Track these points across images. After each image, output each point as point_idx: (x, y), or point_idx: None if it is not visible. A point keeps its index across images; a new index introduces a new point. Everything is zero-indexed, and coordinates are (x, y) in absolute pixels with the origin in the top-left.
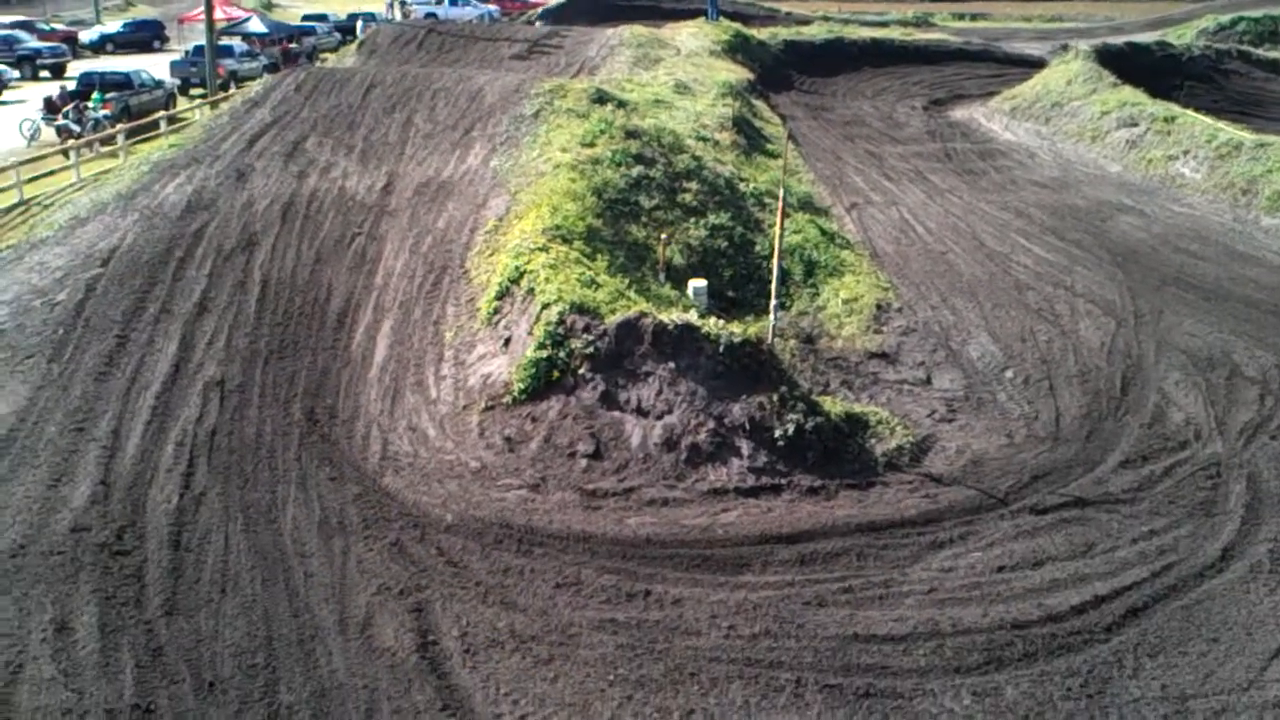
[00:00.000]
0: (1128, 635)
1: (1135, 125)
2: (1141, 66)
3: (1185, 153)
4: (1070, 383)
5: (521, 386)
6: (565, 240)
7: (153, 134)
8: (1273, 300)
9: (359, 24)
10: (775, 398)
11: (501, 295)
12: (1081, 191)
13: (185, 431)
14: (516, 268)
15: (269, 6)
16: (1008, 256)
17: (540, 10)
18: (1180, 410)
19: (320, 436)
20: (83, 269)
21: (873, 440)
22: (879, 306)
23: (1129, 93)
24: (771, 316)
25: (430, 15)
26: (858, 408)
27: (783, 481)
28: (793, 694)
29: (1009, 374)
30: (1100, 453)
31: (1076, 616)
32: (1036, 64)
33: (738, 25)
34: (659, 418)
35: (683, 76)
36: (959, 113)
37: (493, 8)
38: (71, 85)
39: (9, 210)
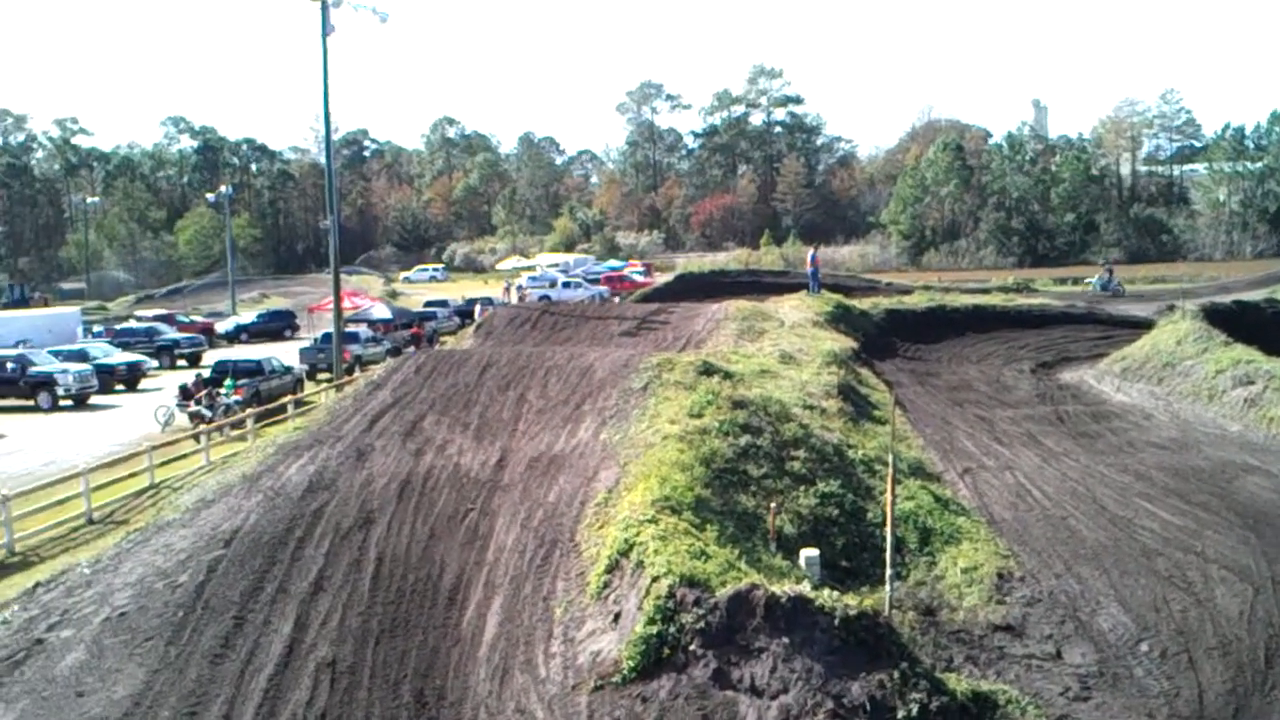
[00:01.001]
0: None
1: (1252, 383)
2: (1252, 324)
3: None
4: (1210, 655)
5: (631, 664)
6: (674, 511)
7: (280, 417)
8: None
9: (477, 308)
10: (896, 675)
11: (611, 569)
12: (1203, 452)
13: (295, 715)
14: (625, 540)
15: (394, 295)
16: (1131, 521)
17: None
18: None
19: (428, 719)
20: (206, 550)
21: None
22: (1000, 575)
23: (1242, 350)
24: (888, 587)
25: (544, 298)
26: (985, 685)
27: None
28: None
29: (1144, 647)
30: None
31: None
32: (1144, 325)
33: (839, 296)
34: (774, 697)
35: (787, 347)
36: (1068, 375)
37: (604, 289)
38: (206, 373)
39: (140, 494)
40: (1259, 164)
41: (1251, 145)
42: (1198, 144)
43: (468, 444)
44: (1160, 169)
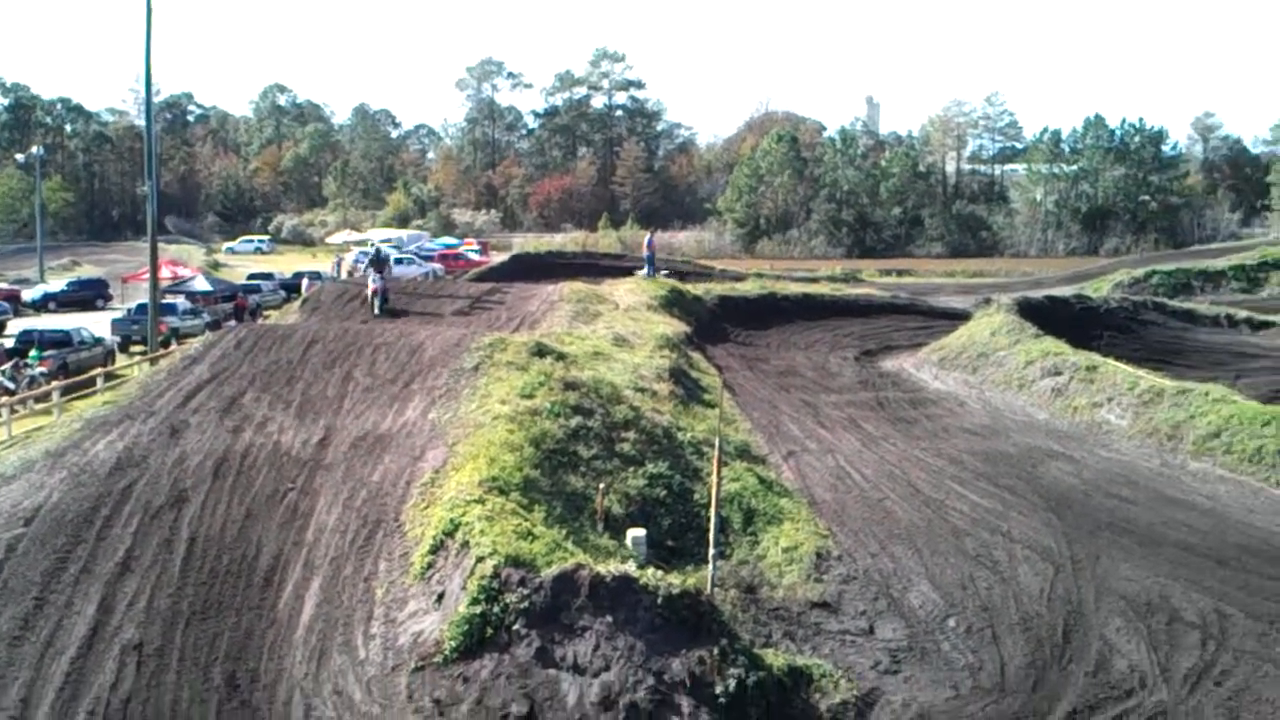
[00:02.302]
0: None
1: (1059, 374)
2: (1062, 318)
3: (1109, 400)
4: (1013, 630)
5: (453, 645)
6: (502, 492)
7: (89, 391)
8: (1206, 544)
9: (304, 282)
10: (716, 652)
11: (435, 549)
12: (1011, 438)
13: (99, 699)
14: (451, 520)
15: (215, 266)
16: (943, 503)
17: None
18: (1124, 657)
19: (240, 703)
20: (4, 529)
21: (817, 695)
22: (819, 555)
23: (1051, 343)
24: (711, 566)
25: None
26: (800, 660)
27: None
28: None
29: (951, 622)
30: (1047, 703)
31: None
32: (962, 316)
33: (673, 281)
34: (596, 675)
35: (621, 330)
36: (890, 363)
37: (437, 266)
38: (10, 343)
39: None
40: (1074, 166)
41: (1067, 149)
42: (1019, 145)
43: (290, 422)
44: (983, 168)
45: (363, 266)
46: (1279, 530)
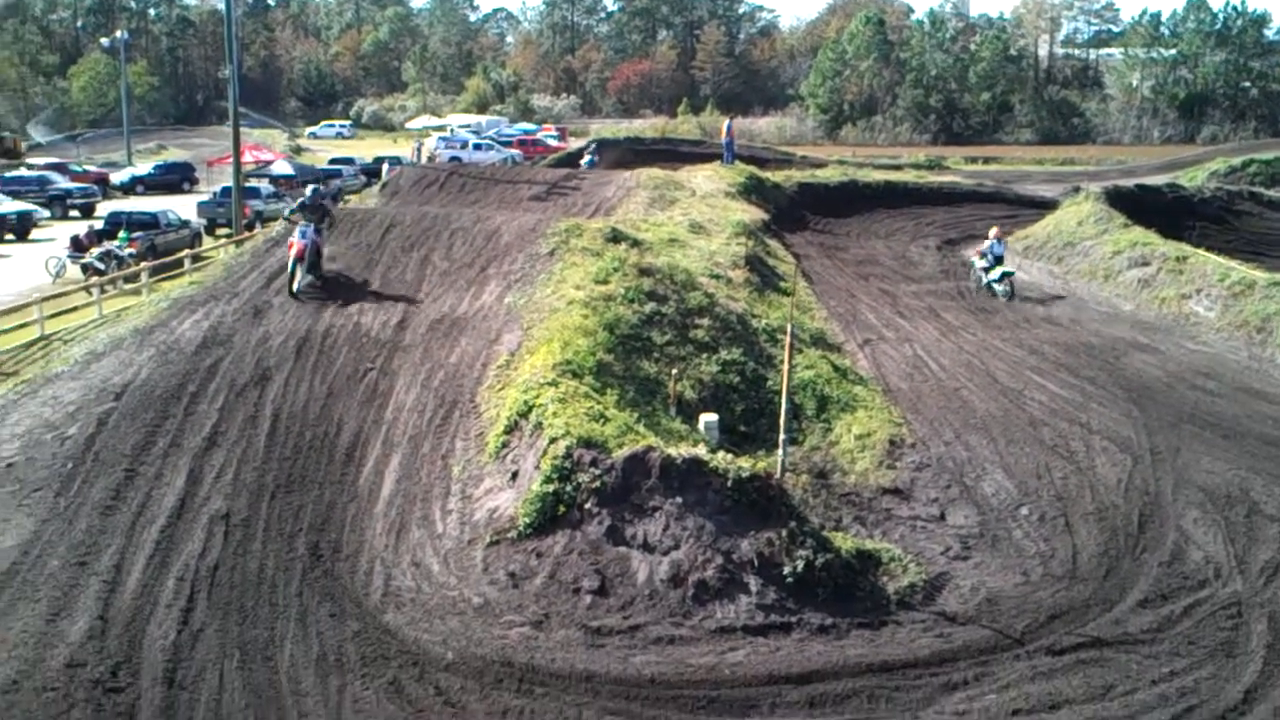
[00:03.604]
0: None
1: (1147, 265)
2: (1153, 208)
3: (1198, 291)
4: (1087, 520)
5: (527, 521)
6: (575, 375)
7: (176, 272)
8: None
9: (384, 167)
10: (785, 534)
11: (510, 429)
12: (1094, 329)
13: (187, 566)
14: (525, 402)
15: (297, 151)
16: (1021, 393)
17: (587, 159)
18: (1199, 548)
19: (323, 572)
20: (96, 403)
21: (885, 578)
22: (892, 442)
23: (1140, 233)
24: (780, 451)
25: (454, 159)
26: (870, 544)
27: (792, 620)
28: None
29: (1024, 511)
30: (1118, 592)
31: None
32: (1049, 205)
33: (752, 168)
34: (666, 553)
35: (697, 216)
36: (972, 252)
37: (515, 152)
38: (99, 224)
39: (29, 345)
40: (1172, 51)
41: (1167, 32)
42: (1115, 29)
43: (369, 304)
44: (1077, 52)
45: (288, 211)
46: None
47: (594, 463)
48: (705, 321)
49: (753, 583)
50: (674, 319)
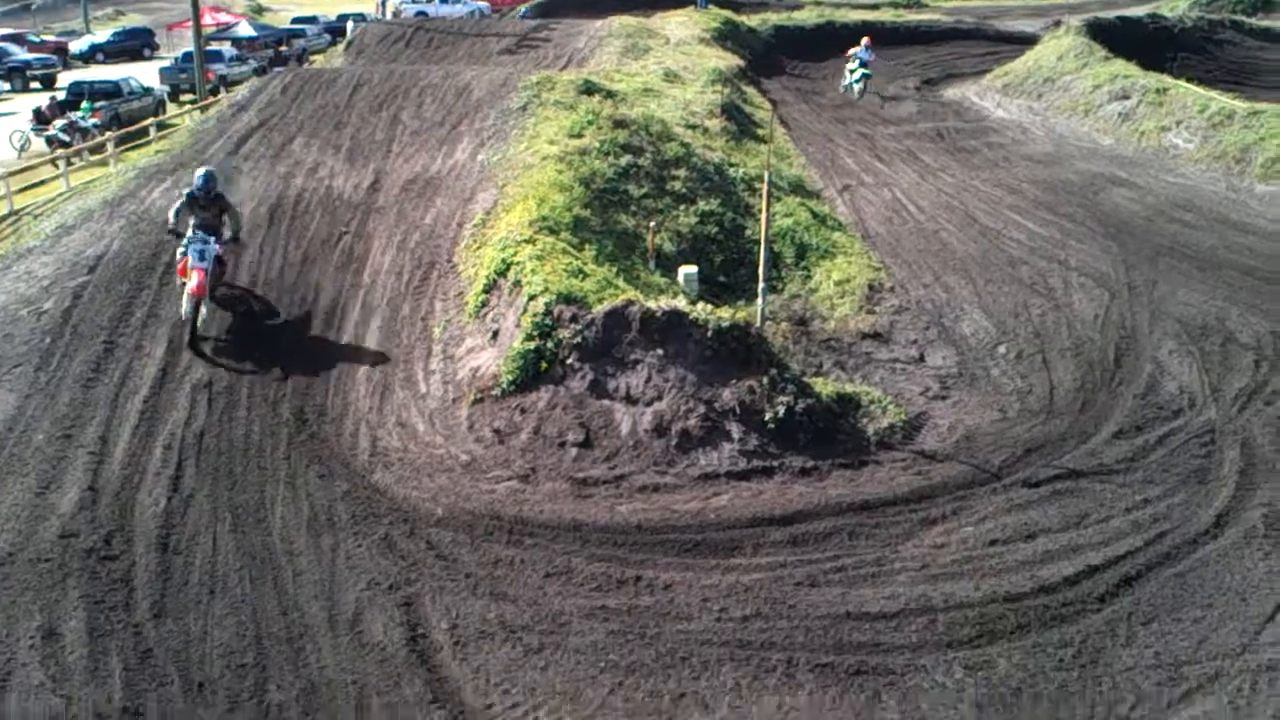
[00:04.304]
0: (1121, 604)
1: (1127, 98)
2: (1134, 40)
3: (1178, 123)
4: (1064, 356)
5: (510, 378)
6: (552, 231)
7: (142, 141)
8: (1267, 268)
9: (349, 25)
10: (765, 381)
11: (488, 288)
12: (1074, 166)
13: (173, 435)
14: (503, 260)
15: (259, 11)
16: (1000, 233)
17: (524, 9)
18: (1174, 379)
19: (309, 435)
20: (70, 277)
21: (865, 420)
22: (871, 287)
23: (1121, 66)
24: (760, 300)
25: (421, 14)
26: (850, 388)
27: (774, 464)
28: (784, 674)
29: (1002, 349)
30: (1094, 424)
31: (1069, 587)
32: (1029, 40)
33: (727, 13)
34: (648, 405)
35: (671, 65)
36: (951, 92)
37: (483, 4)
38: (61, 95)
39: None
40: None
41: None
42: None
43: (339, 167)
44: None
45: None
46: None
47: (574, 318)
48: (682, 172)
49: (735, 430)
50: (650, 171)
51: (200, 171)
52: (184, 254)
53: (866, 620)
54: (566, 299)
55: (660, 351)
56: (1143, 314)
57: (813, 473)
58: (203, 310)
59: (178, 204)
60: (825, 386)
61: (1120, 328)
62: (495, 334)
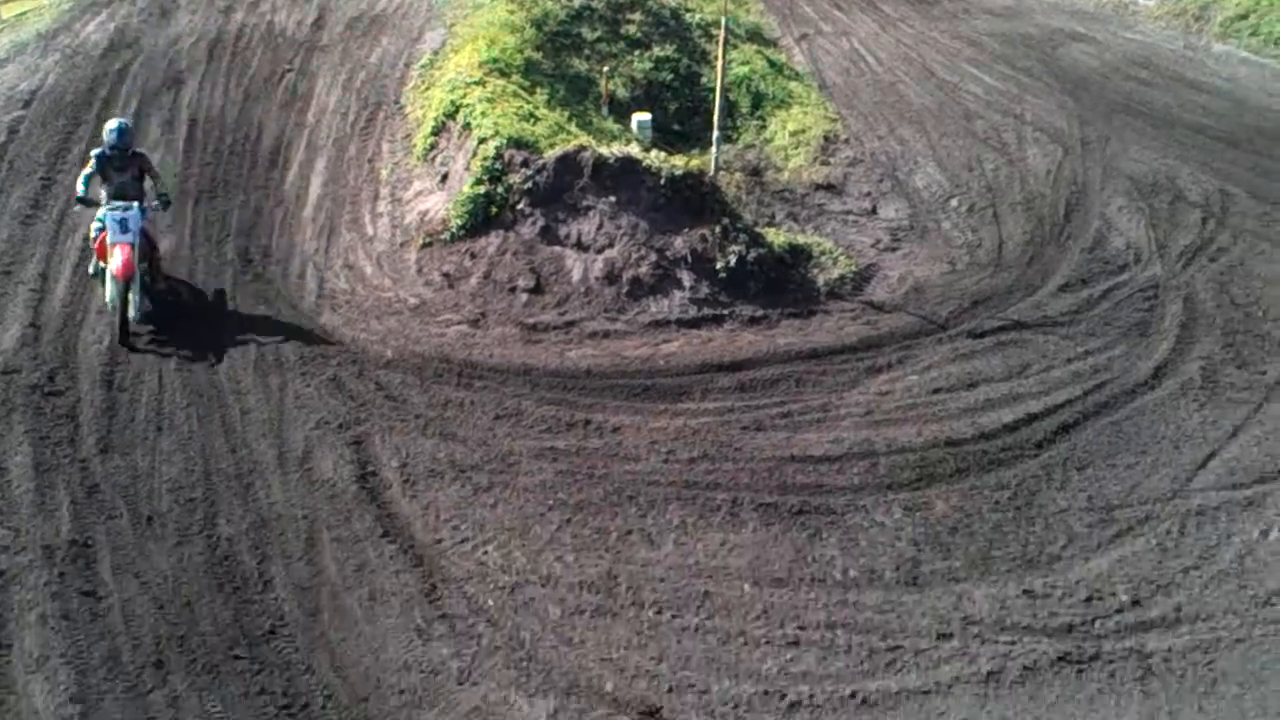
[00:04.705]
0: (1057, 450)
1: None
2: None
3: None
4: (1014, 210)
5: (460, 223)
6: (503, 74)
7: None
8: (1219, 126)
9: None
10: (718, 230)
11: (437, 131)
12: (1034, 19)
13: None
14: (452, 102)
15: None
16: (957, 86)
17: None
18: (1122, 235)
19: (255, 275)
20: (4, 111)
21: (816, 270)
22: (826, 138)
23: None
24: (714, 149)
25: None
26: (801, 239)
27: (724, 312)
28: (729, 513)
29: (954, 202)
30: (1040, 277)
31: (1008, 434)
32: None
33: None
34: (600, 251)
35: None
36: None
37: None
38: None
39: None
40: None
41: None
42: None
43: (281, 1)
44: None
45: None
46: None
47: (525, 163)
48: (637, 16)
49: (686, 278)
50: (604, 14)
51: (112, 125)
52: (101, 228)
53: (810, 463)
54: (517, 143)
55: (612, 198)
56: (1095, 170)
57: (762, 321)
58: (133, 297)
59: (87, 169)
60: (777, 237)
61: (1072, 183)
62: (444, 177)
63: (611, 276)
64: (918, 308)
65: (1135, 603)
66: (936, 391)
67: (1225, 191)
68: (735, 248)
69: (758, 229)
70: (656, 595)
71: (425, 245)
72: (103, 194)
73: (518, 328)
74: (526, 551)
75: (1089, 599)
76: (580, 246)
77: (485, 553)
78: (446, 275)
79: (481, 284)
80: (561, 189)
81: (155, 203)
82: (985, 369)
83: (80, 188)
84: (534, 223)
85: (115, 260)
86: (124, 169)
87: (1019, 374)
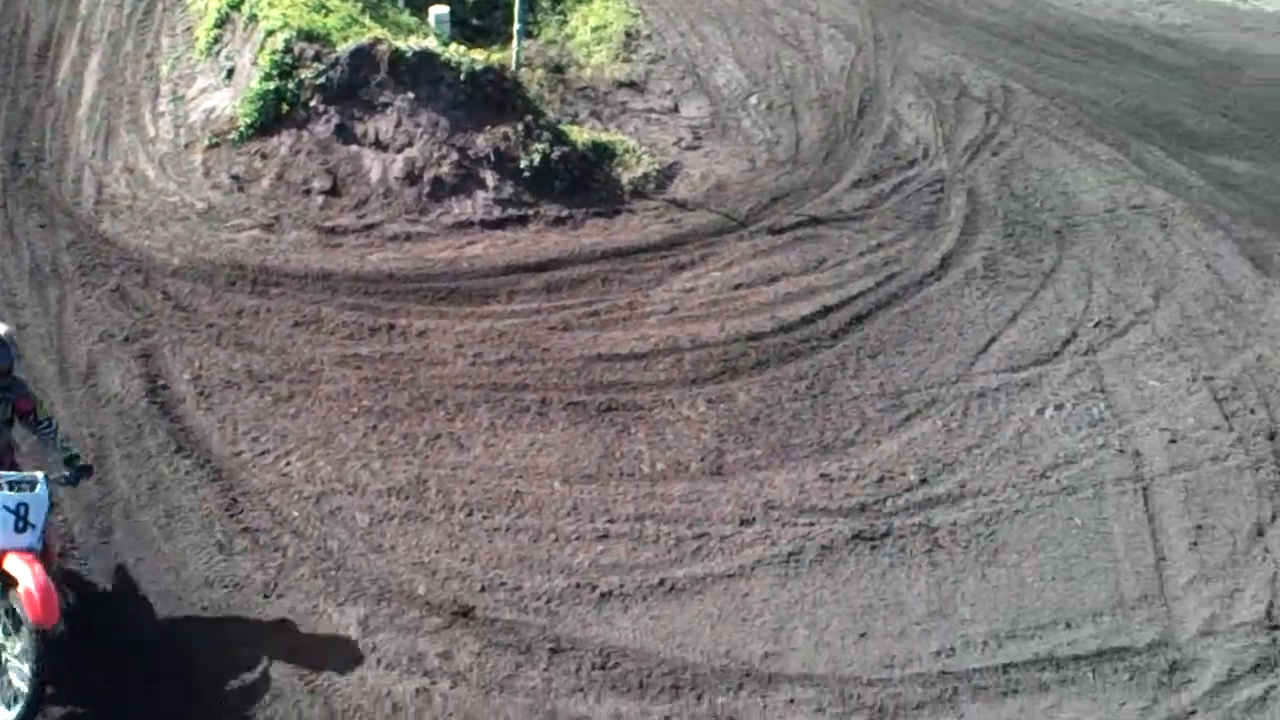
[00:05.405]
0: (851, 340)
1: None
2: None
3: None
4: (811, 107)
5: (248, 121)
6: None
7: None
8: (1004, 23)
9: None
10: (520, 128)
11: (221, 23)
12: None
13: None
14: None
15: None
16: None
17: None
18: (911, 130)
19: (26, 182)
20: None
21: (619, 169)
22: (628, 34)
23: None
24: (515, 44)
25: None
26: (605, 137)
27: (529, 212)
28: (537, 413)
29: (753, 100)
30: (835, 173)
31: (805, 326)
32: None
33: None
34: (399, 151)
35: None
36: None
37: None
38: None
39: None
40: None
41: None
42: None
43: None
44: None
45: None
46: (1076, 9)
47: (317, 57)
48: None
49: (489, 178)
50: None
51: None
52: None
53: (617, 361)
54: (308, 35)
55: (411, 95)
56: (886, 67)
57: (567, 221)
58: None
59: None
60: (581, 135)
61: (864, 80)
62: (230, 73)
63: (412, 177)
64: (719, 205)
65: (923, 481)
66: (738, 287)
67: (1007, 87)
68: (539, 146)
69: (561, 127)
70: (467, 497)
71: (212, 146)
72: None
73: (315, 231)
74: (331, 460)
75: (881, 480)
76: (378, 145)
77: (288, 463)
78: (236, 178)
79: (274, 186)
80: (356, 85)
81: (65, 471)
82: (784, 264)
83: None
84: (328, 121)
85: (23, 599)
86: None
87: (815, 268)
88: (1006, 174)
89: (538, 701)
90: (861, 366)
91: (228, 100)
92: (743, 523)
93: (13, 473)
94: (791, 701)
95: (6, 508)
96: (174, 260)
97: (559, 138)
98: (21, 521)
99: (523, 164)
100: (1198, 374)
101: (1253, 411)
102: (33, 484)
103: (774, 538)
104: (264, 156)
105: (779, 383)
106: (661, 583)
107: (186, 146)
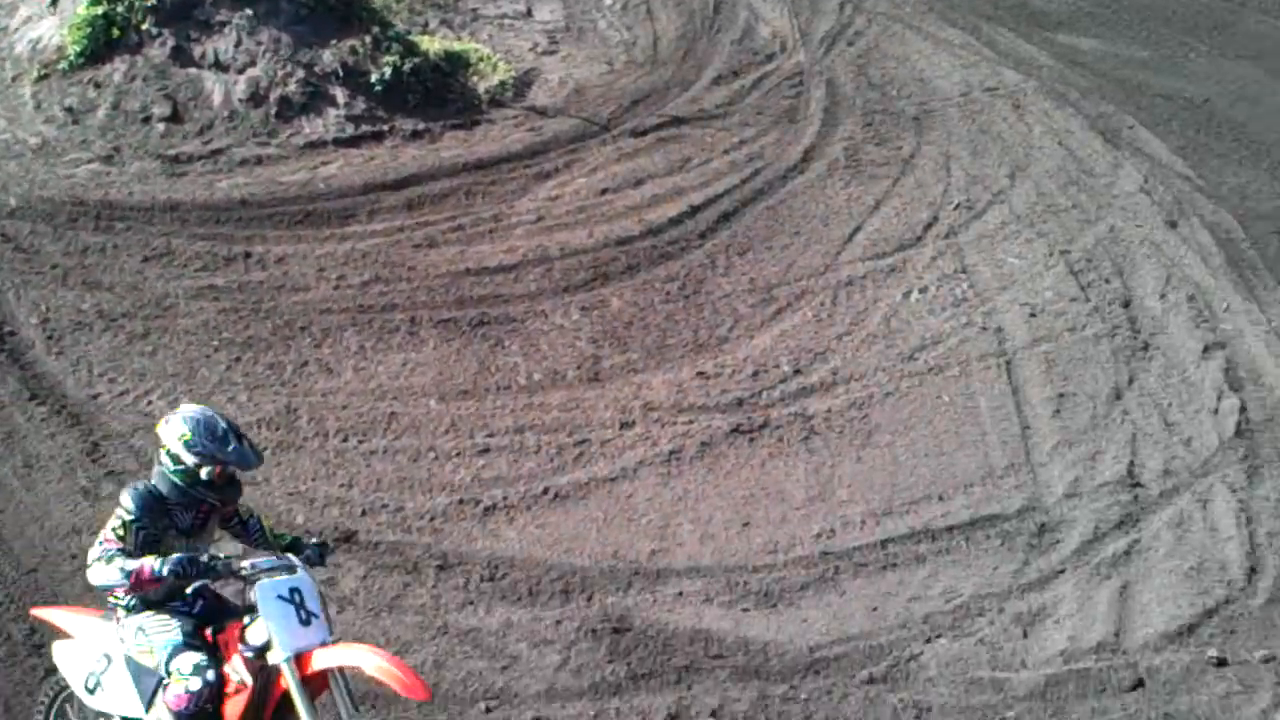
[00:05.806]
0: (720, 239)
1: None
2: None
3: None
4: (667, 6)
5: (78, 49)
6: None
7: None
8: None
9: None
10: (368, 40)
11: None
12: None
13: None
14: None
15: None
16: None
17: None
18: (767, 25)
19: None
20: None
21: (475, 78)
22: None
23: None
24: None
25: None
26: (458, 45)
27: (384, 128)
28: (407, 333)
29: (608, 0)
30: (695, 72)
31: (674, 227)
32: None
33: None
34: (241, 71)
35: None
36: None
37: None
38: None
39: None
40: None
41: None
42: None
43: None
44: None
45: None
46: None
47: None
48: None
49: (339, 94)
50: None
51: (200, 419)
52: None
53: (486, 274)
54: None
55: (249, 11)
56: None
57: (425, 135)
58: None
59: (130, 513)
60: (432, 44)
61: None
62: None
63: (257, 98)
64: (580, 110)
65: (797, 371)
66: (604, 192)
67: None
68: (389, 58)
69: (411, 37)
70: (340, 423)
71: (41, 78)
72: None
73: (158, 161)
74: (195, 396)
75: (755, 373)
76: (219, 67)
77: (149, 402)
78: (69, 109)
79: (111, 116)
80: (191, 4)
81: (309, 550)
82: (649, 166)
83: (124, 567)
84: (163, 43)
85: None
86: (223, 503)
87: (680, 168)
88: (863, 63)
89: (427, 619)
90: (731, 264)
91: (54, 28)
92: (623, 426)
93: (265, 559)
94: (680, 594)
95: (281, 597)
96: (10, 200)
97: (410, 49)
98: (303, 611)
99: (373, 78)
100: (1054, 249)
101: (1107, 281)
102: (289, 568)
103: (654, 438)
104: (97, 85)
105: (651, 285)
106: (545, 491)
107: (14, 80)
